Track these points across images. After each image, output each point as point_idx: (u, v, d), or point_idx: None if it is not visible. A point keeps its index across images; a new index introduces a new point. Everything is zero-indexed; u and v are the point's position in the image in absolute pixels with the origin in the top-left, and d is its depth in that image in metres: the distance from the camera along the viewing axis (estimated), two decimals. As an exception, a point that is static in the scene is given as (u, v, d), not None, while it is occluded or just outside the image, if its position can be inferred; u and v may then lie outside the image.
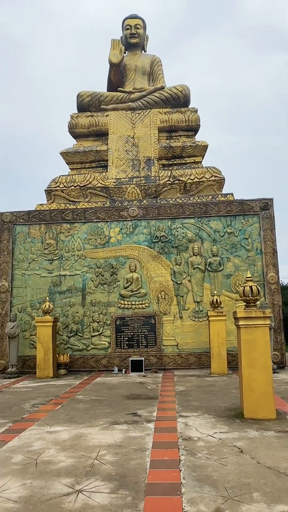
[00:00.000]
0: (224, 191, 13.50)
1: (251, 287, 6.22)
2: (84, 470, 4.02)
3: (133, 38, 16.00)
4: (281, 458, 4.20)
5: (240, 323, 6.10)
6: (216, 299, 11.00)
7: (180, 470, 3.95)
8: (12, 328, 11.53)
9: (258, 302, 9.38)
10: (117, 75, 15.55)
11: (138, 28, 16.07)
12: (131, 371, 11.18)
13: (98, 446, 4.75)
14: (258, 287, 6.24)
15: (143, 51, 16.56)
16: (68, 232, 12.69)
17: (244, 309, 6.27)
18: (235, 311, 6.25)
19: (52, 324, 11.12)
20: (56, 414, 6.41)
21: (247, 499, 3.30)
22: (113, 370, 11.57)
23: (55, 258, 12.56)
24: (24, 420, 6.13)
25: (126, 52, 16.16)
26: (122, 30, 16.42)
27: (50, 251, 12.60)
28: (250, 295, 6.21)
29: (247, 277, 6.41)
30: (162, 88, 15.04)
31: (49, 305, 11.29)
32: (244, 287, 6.31)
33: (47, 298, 11.70)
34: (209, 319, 10.85)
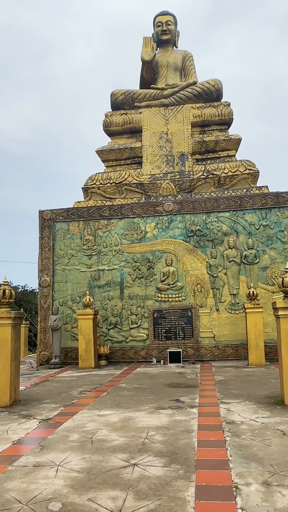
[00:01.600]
0: (258, 183, 13.55)
1: (290, 278, 6.35)
2: (137, 447, 4.35)
3: (164, 35, 16.16)
4: None
5: (280, 313, 6.26)
6: (253, 291, 11.11)
7: (227, 449, 4.21)
8: (54, 321, 12.07)
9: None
10: (150, 72, 15.77)
11: (169, 25, 16.20)
12: (170, 362, 11.48)
13: (147, 427, 5.08)
14: (297, 278, 6.37)
15: (174, 47, 16.69)
16: (106, 228, 13.09)
17: (283, 299, 6.42)
18: (274, 302, 6.42)
19: (92, 316, 11.57)
20: (103, 400, 6.79)
21: (293, 474, 3.53)
22: (151, 361, 11.91)
23: (94, 253, 13.00)
24: (74, 405, 6.55)
25: (158, 49, 16.33)
26: (154, 27, 16.60)
27: (88, 246, 13.05)
28: (289, 286, 6.35)
29: (286, 268, 6.55)
30: (195, 83, 15.14)
31: (89, 299, 11.74)
32: (283, 277, 6.46)
33: (87, 292, 12.17)
34: (246, 311, 10.99)
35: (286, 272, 6.50)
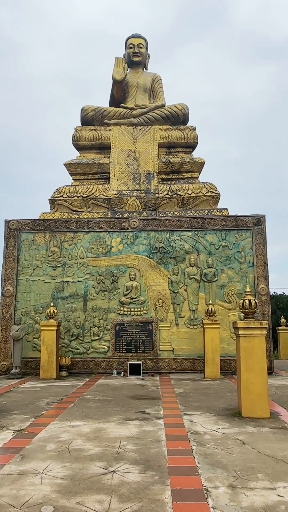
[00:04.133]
0: (219, 205, 14.37)
1: (250, 300, 7.00)
2: (112, 456, 4.71)
3: (135, 57, 16.80)
4: (278, 448, 4.96)
5: (240, 332, 6.87)
6: (211, 308, 11.78)
7: (194, 457, 4.68)
8: (17, 331, 12.12)
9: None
10: (120, 91, 16.31)
11: (140, 48, 16.87)
12: (130, 374, 11.87)
13: (118, 437, 5.45)
14: (256, 300, 7.02)
15: (144, 69, 17.36)
16: (72, 240, 13.35)
17: (243, 319, 7.04)
18: (235, 321, 7.03)
19: (56, 328, 11.75)
20: (72, 411, 7.07)
21: (253, 478, 4.05)
22: (112, 373, 12.24)
23: (59, 265, 13.20)
24: (44, 416, 6.78)
25: (129, 69, 16.93)
26: (125, 48, 17.19)
27: (54, 258, 13.23)
28: (249, 308, 6.99)
29: (247, 291, 7.20)
30: (163, 106, 15.85)
31: (53, 310, 11.92)
32: (243, 300, 7.09)
33: (51, 303, 12.34)
34: (204, 326, 11.62)
35: (247, 294, 7.14)
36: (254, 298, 7.08)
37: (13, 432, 5.73)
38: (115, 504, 3.45)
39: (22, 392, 9.24)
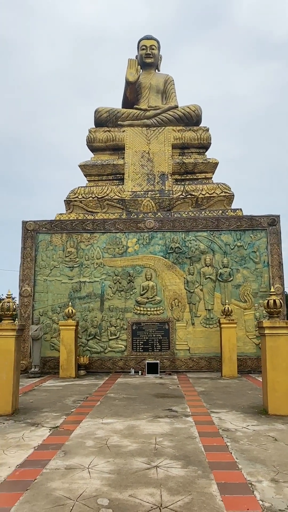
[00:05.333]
0: (232, 205, 14.49)
1: (274, 300, 7.14)
2: (151, 452, 4.87)
3: (148, 58, 16.93)
4: (311, 445, 5.11)
5: (265, 332, 7.01)
6: (228, 308, 11.92)
7: (231, 453, 4.83)
8: (35, 330, 12.30)
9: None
10: (133, 93, 16.45)
11: (153, 49, 17.01)
12: (147, 373, 12.03)
13: (153, 434, 5.61)
14: (281, 300, 7.16)
15: (157, 70, 17.49)
16: (88, 241, 13.51)
17: (268, 319, 7.18)
18: (261, 321, 7.17)
19: (74, 327, 11.92)
20: (101, 409, 7.23)
21: (293, 473, 4.19)
22: (129, 372, 12.41)
23: (76, 265, 13.37)
24: (74, 413, 6.95)
25: (141, 70, 17.06)
26: (138, 49, 17.34)
27: (71, 258, 13.41)
28: (273, 307, 7.13)
29: (271, 291, 7.33)
30: (176, 107, 15.99)
31: (71, 310, 12.09)
32: (268, 300, 7.23)
33: (70, 303, 12.51)
34: (221, 326, 11.76)
35: (271, 294, 7.27)
36: (279, 298, 7.21)
37: (49, 429, 5.90)
38: (166, 497, 3.61)
39: (45, 391, 9.42)
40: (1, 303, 7.32)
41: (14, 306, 7.26)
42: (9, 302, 7.26)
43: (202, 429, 5.84)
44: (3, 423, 6.36)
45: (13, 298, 7.57)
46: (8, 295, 7.39)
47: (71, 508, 3.41)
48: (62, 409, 7.27)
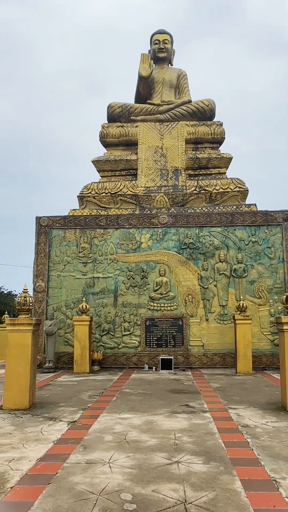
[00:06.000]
0: (247, 201, 14.34)
1: (293, 295, 7.02)
2: (171, 447, 4.82)
3: (161, 53, 16.80)
4: None
5: (284, 328, 6.90)
6: (243, 304, 11.81)
7: (252, 449, 4.76)
8: (50, 326, 12.33)
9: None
10: (146, 88, 16.35)
11: (166, 43, 16.87)
12: (161, 369, 11.99)
13: (171, 430, 5.56)
14: (300, 296, 7.05)
15: (170, 64, 17.36)
16: (102, 237, 13.49)
17: (285, 315, 7.08)
18: (279, 317, 7.07)
19: (88, 323, 11.93)
20: (117, 404, 7.21)
21: None
22: (143, 368, 12.38)
23: (89, 261, 13.36)
24: (91, 408, 6.93)
25: (154, 65, 16.94)
26: (151, 44, 17.21)
27: (84, 254, 13.40)
28: (292, 303, 7.01)
29: (290, 287, 7.22)
30: (189, 101, 15.86)
31: (85, 305, 12.09)
32: (286, 295, 7.12)
33: (84, 299, 12.52)
34: (236, 322, 11.66)
35: (290, 290, 7.16)
36: (297, 293, 7.09)
37: (67, 424, 5.89)
38: (190, 493, 3.56)
39: (61, 386, 9.44)
40: (17, 298, 7.32)
41: (30, 301, 7.26)
42: (25, 297, 7.26)
43: (221, 425, 5.78)
44: (21, 417, 6.37)
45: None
46: (24, 289, 7.39)
47: (94, 502, 3.38)
48: (78, 404, 7.27)
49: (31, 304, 7.30)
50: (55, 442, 5.06)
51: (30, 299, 7.32)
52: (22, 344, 7.06)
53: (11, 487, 3.73)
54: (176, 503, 3.37)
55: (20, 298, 7.22)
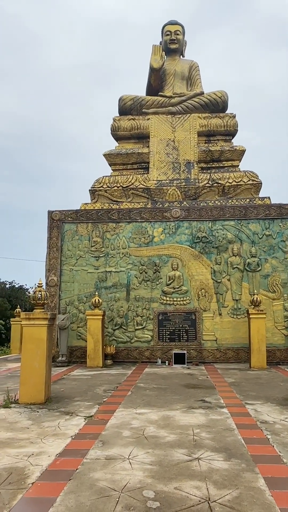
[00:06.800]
0: (260, 194, 14.15)
1: (311, 290, 6.90)
2: (190, 444, 4.77)
3: (173, 44, 16.59)
4: None
5: (302, 322, 6.79)
6: (257, 298, 11.69)
7: (273, 446, 4.69)
8: (63, 320, 12.34)
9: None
10: (157, 80, 16.17)
11: (177, 34, 16.65)
12: (174, 363, 11.94)
13: (189, 425, 5.51)
14: None
15: (181, 56, 17.14)
16: (114, 231, 13.42)
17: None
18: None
19: (101, 317, 11.91)
20: (132, 399, 7.18)
21: None
22: (156, 362, 12.35)
23: (101, 255, 13.32)
24: (106, 403, 6.91)
25: (166, 57, 16.73)
26: (162, 35, 17.00)
27: (96, 248, 13.36)
28: (311, 297, 6.89)
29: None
30: (202, 93, 15.64)
31: (98, 300, 12.07)
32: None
33: (96, 293, 12.49)
34: (250, 316, 11.55)
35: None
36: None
37: (84, 418, 5.87)
38: (213, 491, 3.50)
39: (75, 380, 9.44)
40: (33, 293, 7.30)
41: (45, 295, 7.23)
42: (40, 292, 7.24)
43: (239, 421, 5.71)
44: (37, 412, 6.37)
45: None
46: (39, 284, 7.37)
47: (117, 499, 3.34)
48: (93, 398, 7.25)
49: (46, 299, 7.27)
50: (73, 437, 5.03)
51: (46, 293, 7.30)
52: (38, 338, 7.05)
53: (32, 483, 3.70)
54: (200, 501, 3.31)
55: (35, 293, 7.20)
